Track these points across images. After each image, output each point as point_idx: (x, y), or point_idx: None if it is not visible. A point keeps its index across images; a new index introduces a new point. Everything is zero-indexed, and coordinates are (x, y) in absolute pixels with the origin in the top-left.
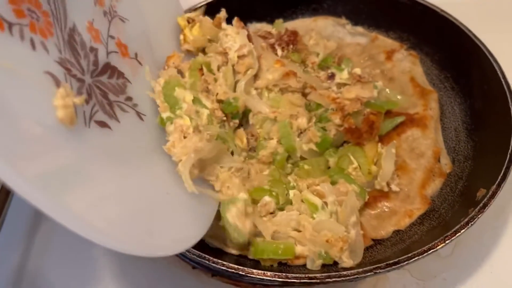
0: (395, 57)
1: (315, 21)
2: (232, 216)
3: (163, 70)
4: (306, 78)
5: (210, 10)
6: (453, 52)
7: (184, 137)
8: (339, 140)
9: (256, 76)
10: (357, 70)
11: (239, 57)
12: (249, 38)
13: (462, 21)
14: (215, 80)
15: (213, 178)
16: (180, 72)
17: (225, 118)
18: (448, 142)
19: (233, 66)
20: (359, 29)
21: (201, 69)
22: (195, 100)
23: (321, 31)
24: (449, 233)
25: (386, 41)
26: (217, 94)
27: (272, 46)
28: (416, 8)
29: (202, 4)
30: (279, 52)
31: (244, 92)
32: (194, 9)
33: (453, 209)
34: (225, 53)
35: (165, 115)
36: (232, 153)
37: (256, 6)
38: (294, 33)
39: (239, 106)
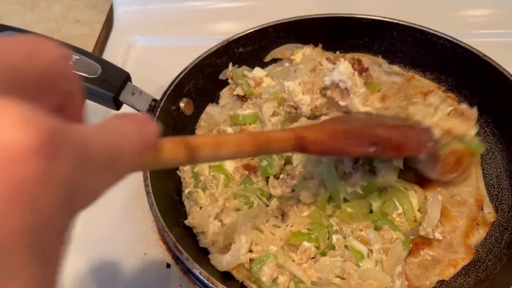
0: None
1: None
2: (265, 276)
3: None
4: None
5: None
6: (494, 97)
7: (200, 208)
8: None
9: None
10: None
11: (312, 109)
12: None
13: (505, 63)
14: None
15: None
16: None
17: (247, 173)
18: (489, 190)
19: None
20: (396, 68)
21: None
22: (214, 168)
23: None
24: None
25: (423, 82)
26: None
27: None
28: (456, 50)
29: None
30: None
31: None
32: None
33: (501, 262)
34: (295, 108)
35: (186, 190)
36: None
37: (293, 42)
38: (359, 61)
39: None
